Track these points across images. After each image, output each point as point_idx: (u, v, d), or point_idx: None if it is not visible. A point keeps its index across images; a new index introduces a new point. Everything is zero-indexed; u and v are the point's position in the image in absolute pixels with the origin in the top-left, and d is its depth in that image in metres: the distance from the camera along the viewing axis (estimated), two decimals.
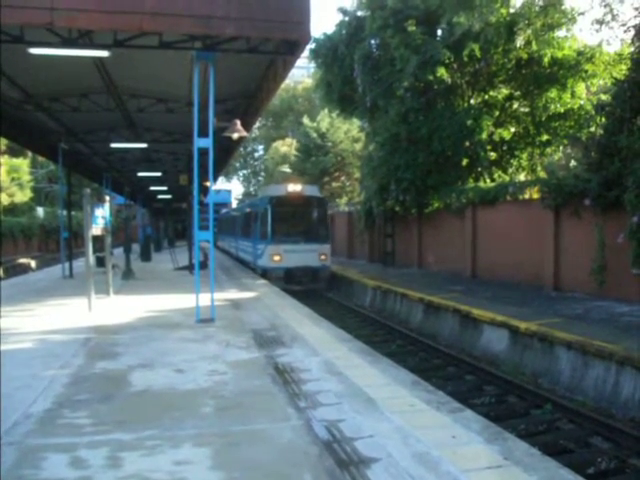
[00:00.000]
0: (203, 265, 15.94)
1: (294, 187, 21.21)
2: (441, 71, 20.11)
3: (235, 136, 11.07)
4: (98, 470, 4.06)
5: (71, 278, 18.72)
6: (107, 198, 14.47)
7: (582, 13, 16.70)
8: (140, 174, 28.58)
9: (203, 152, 10.03)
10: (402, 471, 3.99)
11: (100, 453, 4.35)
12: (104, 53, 9.74)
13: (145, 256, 27.20)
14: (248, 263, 24.34)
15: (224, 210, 46.67)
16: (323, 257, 20.49)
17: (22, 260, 35.46)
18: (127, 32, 8.74)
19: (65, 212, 21.67)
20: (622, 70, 17.47)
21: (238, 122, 11.00)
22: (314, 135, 41.57)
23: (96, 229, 12.60)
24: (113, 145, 19.85)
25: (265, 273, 20.30)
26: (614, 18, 14.83)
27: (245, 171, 73.19)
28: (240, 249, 28.23)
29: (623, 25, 14.18)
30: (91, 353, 7.90)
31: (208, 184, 12.25)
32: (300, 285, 19.93)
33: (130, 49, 9.28)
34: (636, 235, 11.75)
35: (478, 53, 19.54)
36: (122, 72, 12.47)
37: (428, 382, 6.65)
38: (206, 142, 9.77)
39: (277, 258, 19.88)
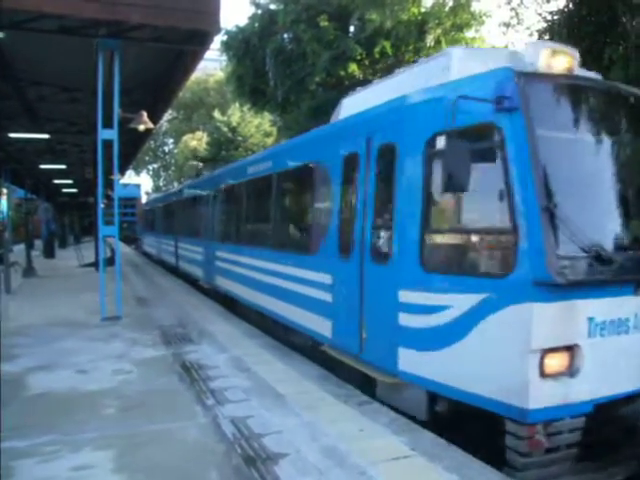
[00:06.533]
0: (110, 261, 15.41)
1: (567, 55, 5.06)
2: (353, 67, 20.33)
3: (141, 128, 10.75)
4: None
5: None
6: (4, 191, 13.74)
7: (489, 15, 17.32)
8: (43, 166, 27.26)
9: (109, 144, 9.67)
10: (309, 465, 4.00)
11: None
12: None
13: (48, 252, 26.04)
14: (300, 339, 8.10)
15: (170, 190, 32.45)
16: None
17: None
18: (25, 14, 8.25)
19: None
20: None
21: (144, 113, 10.67)
22: (225, 129, 41.04)
23: None
24: (12, 135, 18.81)
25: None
26: (520, 22, 15.40)
27: (155, 165, 71.56)
28: (237, 278, 10.73)
29: (527, 29, 14.73)
30: None
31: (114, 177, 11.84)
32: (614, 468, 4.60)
33: (29, 32, 8.79)
34: None
35: (389, 50, 19.88)
36: (20, 56, 11.74)
37: (338, 376, 6.68)
38: (111, 134, 9.46)
39: (560, 364, 4.13)
